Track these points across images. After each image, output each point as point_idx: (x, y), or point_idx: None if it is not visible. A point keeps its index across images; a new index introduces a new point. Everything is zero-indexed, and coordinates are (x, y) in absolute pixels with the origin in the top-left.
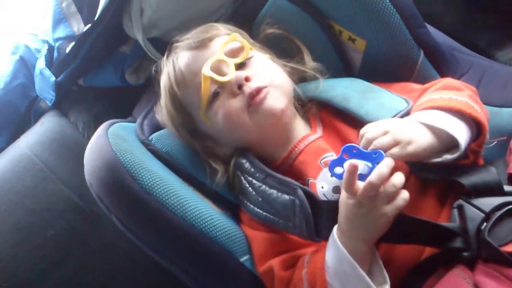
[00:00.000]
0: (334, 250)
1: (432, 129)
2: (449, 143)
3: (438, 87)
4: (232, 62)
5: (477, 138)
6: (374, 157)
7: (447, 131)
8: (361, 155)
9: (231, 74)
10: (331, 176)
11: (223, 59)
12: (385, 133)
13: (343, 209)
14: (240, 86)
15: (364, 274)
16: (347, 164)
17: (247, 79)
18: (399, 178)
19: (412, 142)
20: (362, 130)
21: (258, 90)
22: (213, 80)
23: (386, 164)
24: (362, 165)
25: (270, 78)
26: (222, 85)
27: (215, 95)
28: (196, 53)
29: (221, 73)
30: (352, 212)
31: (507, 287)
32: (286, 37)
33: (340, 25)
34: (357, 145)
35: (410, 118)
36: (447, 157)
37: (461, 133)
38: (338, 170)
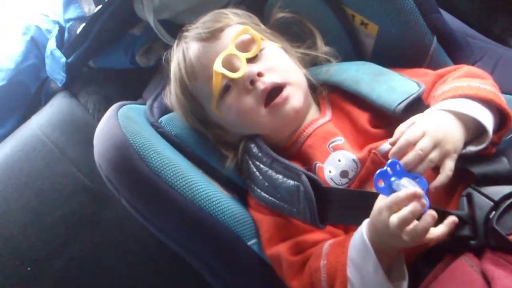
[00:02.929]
0: (360, 246)
1: (464, 119)
2: (476, 134)
3: (461, 74)
4: (243, 56)
5: (498, 129)
6: (416, 180)
7: (481, 122)
8: (403, 174)
9: (243, 70)
10: (339, 160)
11: (234, 53)
12: (423, 134)
13: (375, 218)
14: (252, 82)
15: (385, 278)
16: (407, 189)
17: (259, 75)
18: (439, 230)
19: (449, 141)
20: (398, 129)
21: (273, 86)
22: (225, 75)
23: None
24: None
25: (283, 73)
26: (233, 79)
27: (226, 88)
28: (206, 45)
29: (233, 68)
30: (383, 227)
31: None
32: (298, 21)
33: (352, 9)
34: (400, 163)
35: (441, 108)
36: (471, 149)
37: (490, 124)
38: (379, 183)
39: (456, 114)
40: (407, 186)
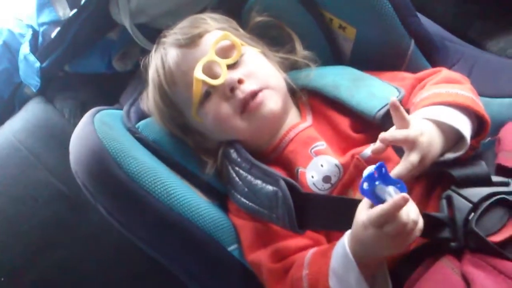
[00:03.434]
0: (343, 259)
1: (443, 127)
2: (454, 141)
3: (439, 80)
4: (224, 63)
5: (476, 134)
6: (397, 186)
7: (460, 130)
8: (386, 178)
9: (223, 77)
10: (321, 166)
11: (214, 60)
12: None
13: (355, 224)
14: (232, 89)
15: None
16: (394, 195)
17: (240, 82)
18: (416, 213)
19: (432, 149)
20: (382, 136)
21: (252, 94)
22: (205, 82)
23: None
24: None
25: (264, 79)
26: (214, 86)
27: (206, 95)
28: (185, 51)
29: (213, 75)
30: (369, 241)
31: (494, 277)
32: (276, 25)
33: (330, 13)
34: (385, 167)
35: (421, 116)
36: (449, 156)
37: (468, 131)
38: (364, 185)
39: (435, 123)
40: (392, 195)
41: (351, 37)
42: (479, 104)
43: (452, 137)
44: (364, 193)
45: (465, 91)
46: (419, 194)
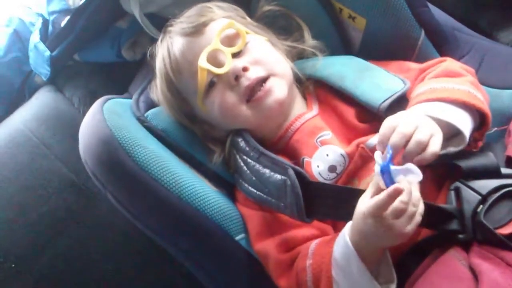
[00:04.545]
0: (344, 249)
1: (438, 122)
2: (453, 134)
3: (438, 73)
4: (228, 51)
5: (479, 127)
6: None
7: (455, 125)
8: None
9: (228, 65)
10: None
11: (219, 48)
12: (416, 127)
13: (356, 216)
14: (237, 77)
15: (371, 277)
16: (392, 186)
17: (244, 69)
18: (417, 197)
19: (433, 137)
20: (386, 125)
21: (259, 81)
22: (210, 71)
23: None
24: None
25: (269, 65)
26: (219, 75)
27: (211, 84)
28: (191, 39)
29: (218, 63)
30: (370, 232)
31: (502, 269)
32: (285, 14)
33: (340, 3)
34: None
35: (417, 111)
36: (451, 149)
37: (466, 125)
38: (376, 167)
39: (433, 118)
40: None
41: (360, 27)
42: (477, 97)
43: (449, 132)
44: (383, 167)
45: (462, 85)
46: (429, 186)
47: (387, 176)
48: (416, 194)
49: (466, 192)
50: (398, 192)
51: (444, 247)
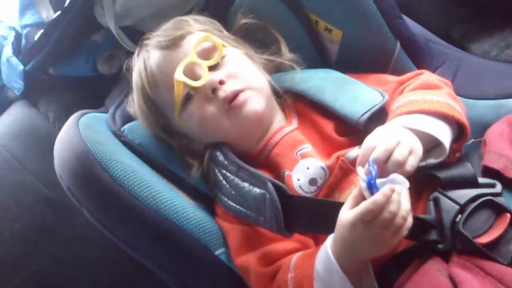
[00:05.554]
0: (326, 261)
1: (418, 134)
2: (433, 146)
3: (416, 85)
4: (205, 64)
5: (458, 138)
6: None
7: (436, 136)
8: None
9: (204, 78)
10: (307, 168)
11: (195, 61)
12: (398, 142)
13: (340, 226)
14: (214, 90)
15: None
16: (387, 186)
17: (221, 83)
18: (406, 207)
19: (418, 147)
20: (368, 143)
21: (234, 94)
22: (186, 84)
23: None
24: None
25: (246, 80)
26: (195, 88)
27: (188, 97)
28: (167, 53)
29: (194, 76)
30: (351, 234)
31: (481, 279)
32: (262, 28)
33: (316, 15)
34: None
35: (397, 123)
36: (431, 161)
37: (446, 137)
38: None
39: (411, 131)
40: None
41: (337, 39)
42: (456, 108)
43: (429, 144)
44: (370, 181)
45: (441, 97)
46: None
47: (376, 190)
48: (406, 205)
49: (444, 202)
50: (392, 191)
51: (424, 257)
